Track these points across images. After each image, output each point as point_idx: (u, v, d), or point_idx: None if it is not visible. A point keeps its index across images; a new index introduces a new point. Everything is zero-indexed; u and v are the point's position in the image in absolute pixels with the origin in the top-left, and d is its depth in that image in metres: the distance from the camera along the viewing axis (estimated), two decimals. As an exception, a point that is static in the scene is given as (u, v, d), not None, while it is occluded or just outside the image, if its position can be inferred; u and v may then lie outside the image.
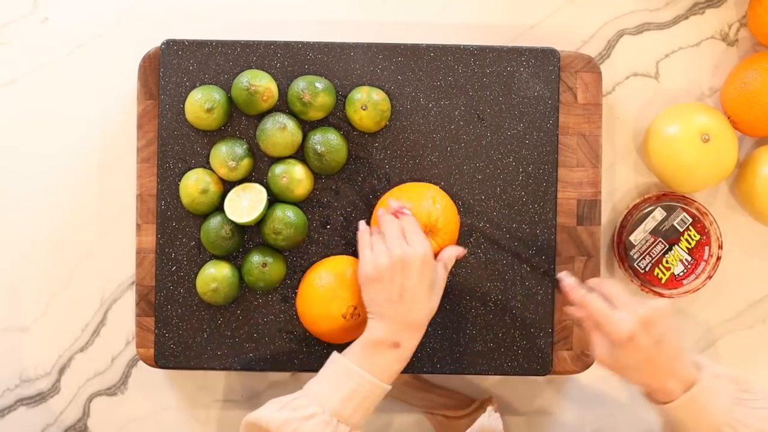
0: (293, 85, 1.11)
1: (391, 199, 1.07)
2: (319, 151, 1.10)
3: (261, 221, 1.11)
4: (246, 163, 1.11)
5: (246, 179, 1.13)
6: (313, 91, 1.09)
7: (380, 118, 1.11)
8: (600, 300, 1.00)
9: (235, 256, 1.13)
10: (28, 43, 1.19)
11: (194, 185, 1.10)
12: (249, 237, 1.13)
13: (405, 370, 1.13)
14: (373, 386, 0.98)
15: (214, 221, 1.10)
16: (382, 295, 1.01)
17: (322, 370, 1.00)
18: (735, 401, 0.96)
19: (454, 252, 1.07)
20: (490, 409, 1.09)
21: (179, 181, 1.12)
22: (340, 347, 1.02)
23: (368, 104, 1.10)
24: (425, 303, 1.01)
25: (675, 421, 0.98)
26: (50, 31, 1.19)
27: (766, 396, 0.98)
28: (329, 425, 0.95)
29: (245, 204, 1.10)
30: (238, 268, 1.12)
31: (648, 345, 0.97)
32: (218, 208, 1.12)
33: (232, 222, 1.10)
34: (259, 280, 1.10)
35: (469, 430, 1.07)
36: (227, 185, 1.12)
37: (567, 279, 1.04)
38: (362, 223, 1.08)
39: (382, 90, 1.13)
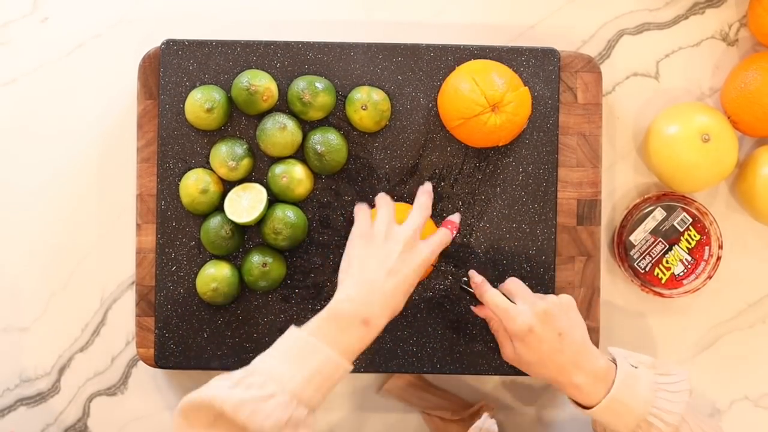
0: (293, 85, 1.11)
1: (455, 215, 1.09)
2: (319, 151, 1.10)
3: (261, 221, 1.11)
4: (246, 163, 1.11)
5: (246, 179, 1.12)
6: (313, 91, 1.10)
7: (380, 118, 1.11)
8: (500, 295, 1.01)
9: (235, 256, 1.13)
10: (28, 43, 1.19)
11: (194, 185, 1.10)
12: (249, 237, 1.13)
13: (405, 370, 1.13)
14: (337, 366, 0.89)
15: (214, 221, 1.10)
16: (372, 259, 0.94)
17: (278, 344, 0.91)
18: (655, 388, 0.97)
19: None
20: (485, 415, 1.09)
21: (179, 181, 1.12)
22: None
23: (368, 104, 1.10)
24: (403, 297, 0.95)
25: (600, 422, 0.99)
26: (50, 31, 1.19)
27: (683, 376, 0.99)
28: (288, 407, 0.86)
29: (245, 204, 1.10)
30: (238, 268, 1.12)
31: (550, 338, 0.97)
32: (218, 208, 1.12)
33: (232, 222, 1.10)
34: (259, 280, 1.10)
35: None
36: (227, 185, 1.12)
37: (476, 277, 1.04)
38: (382, 196, 1.06)
39: (382, 90, 1.13)
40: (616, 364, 0.99)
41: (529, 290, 1.03)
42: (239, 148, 1.11)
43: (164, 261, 1.13)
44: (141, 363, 1.18)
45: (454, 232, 1.06)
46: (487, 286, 1.03)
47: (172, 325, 1.13)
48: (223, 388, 0.88)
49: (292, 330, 0.92)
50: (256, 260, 1.10)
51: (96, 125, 1.19)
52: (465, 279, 1.06)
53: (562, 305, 1.00)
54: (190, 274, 1.13)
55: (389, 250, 0.96)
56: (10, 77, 1.19)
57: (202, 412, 0.87)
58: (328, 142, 1.10)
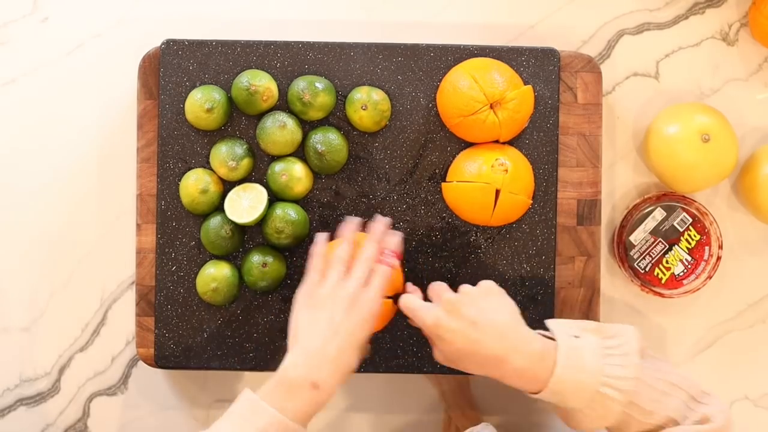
0: (293, 85, 1.11)
1: (393, 238, 1.00)
2: (320, 151, 1.10)
3: (262, 221, 1.11)
4: (246, 163, 1.11)
5: (246, 179, 1.12)
6: (313, 91, 1.10)
7: (380, 118, 1.11)
8: (412, 298, 0.98)
9: (235, 256, 1.13)
10: (28, 43, 1.19)
11: (194, 185, 1.10)
12: (249, 237, 1.13)
13: (405, 370, 1.13)
14: (285, 427, 0.87)
15: (214, 221, 1.10)
16: (317, 324, 0.92)
17: (231, 408, 0.90)
18: (602, 354, 0.92)
19: None
20: (484, 424, 1.09)
21: (179, 181, 1.12)
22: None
23: (368, 104, 1.10)
24: (353, 354, 0.93)
25: (554, 402, 0.93)
26: (50, 31, 1.19)
27: (630, 335, 0.93)
28: None
29: (245, 204, 1.10)
30: (238, 268, 1.12)
31: (461, 327, 0.93)
32: (218, 207, 1.12)
33: (232, 222, 1.10)
34: (259, 280, 1.10)
35: None
36: (227, 185, 1.12)
37: (410, 287, 1.01)
38: (321, 236, 1.01)
39: (382, 90, 1.13)
40: (555, 341, 0.94)
41: (447, 288, 0.98)
42: (239, 148, 1.11)
43: (164, 261, 1.13)
44: (141, 363, 1.18)
45: (394, 261, 0.98)
46: (405, 294, 0.99)
47: (172, 325, 1.13)
48: None
49: (244, 393, 0.91)
50: (255, 260, 1.10)
51: (96, 125, 1.19)
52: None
53: (477, 292, 0.96)
54: (190, 274, 1.13)
55: (332, 311, 0.93)
56: (10, 77, 1.19)
57: None
58: (329, 141, 1.10)
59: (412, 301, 0.98)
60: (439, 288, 0.98)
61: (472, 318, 0.93)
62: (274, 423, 0.87)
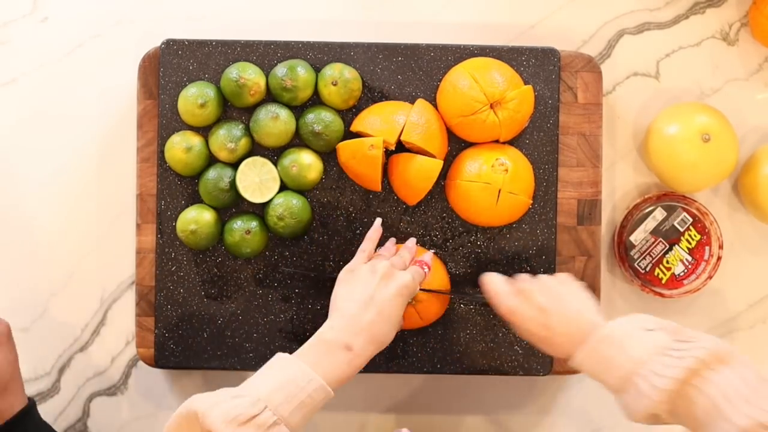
0: (271, 79, 1.10)
1: (427, 256, 1.06)
2: (317, 131, 1.10)
3: (265, 204, 1.11)
4: (244, 142, 1.11)
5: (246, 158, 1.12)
6: (293, 75, 1.09)
7: (348, 96, 1.11)
8: (498, 280, 1.04)
9: (223, 213, 1.13)
10: (28, 43, 1.19)
11: (178, 147, 1.10)
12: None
13: (405, 370, 1.13)
14: (310, 380, 0.91)
15: (212, 173, 1.10)
16: (354, 293, 0.98)
17: (262, 368, 0.94)
18: (660, 351, 0.89)
19: None
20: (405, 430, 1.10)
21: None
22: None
23: (339, 80, 1.10)
24: (387, 324, 0.98)
25: (588, 374, 0.95)
26: (50, 31, 1.19)
27: (707, 343, 0.90)
28: (253, 407, 0.87)
29: (256, 179, 1.10)
30: (223, 223, 1.12)
31: (532, 315, 0.99)
32: (210, 162, 1.12)
33: (231, 174, 1.10)
34: (241, 246, 1.10)
35: None
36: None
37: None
38: (378, 221, 1.09)
39: (381, 88, 1.13)
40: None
41: (525, 278, 1.04)
42: (237, 130, 1.11)
43: (164, 261, 1.13)
44: (141, 363, 1.18)
45: (425, 268, 1.05)
46: (491, 274, 1.05)
47: (172, 325, 1.13)
48: (200, 397, 0.91)
49: (278, 354, 0.95)
50: (238, 226, 1.10)
51: (96, 125, 1.19)
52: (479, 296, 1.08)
53: (551, 281, 1.02)
54: (190, 274, 1.13)
55: (369, 282, 0.99)
56: (10, 77, 1.19)
57: (182, 423, 0.91)
58: (322, 120, 1.10)
59: (495, 283, 1.03)
60: (522, 276, 1.04)
61: (543, 305, 0.99)
62: (301, 374, 0.91)
